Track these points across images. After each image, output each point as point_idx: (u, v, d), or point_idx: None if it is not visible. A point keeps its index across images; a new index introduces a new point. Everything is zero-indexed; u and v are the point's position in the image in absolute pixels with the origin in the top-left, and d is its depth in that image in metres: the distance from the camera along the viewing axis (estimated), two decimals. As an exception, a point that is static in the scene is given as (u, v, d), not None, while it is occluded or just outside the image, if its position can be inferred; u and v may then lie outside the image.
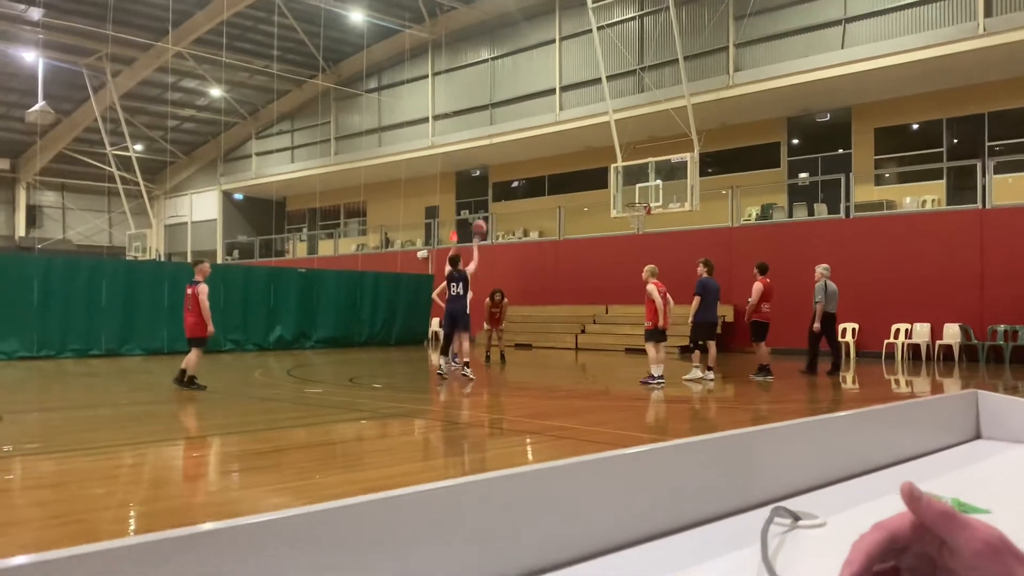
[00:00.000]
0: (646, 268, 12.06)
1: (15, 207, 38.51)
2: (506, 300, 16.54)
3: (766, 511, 0.90)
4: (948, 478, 1.19)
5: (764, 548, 0.78)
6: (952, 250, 16.42)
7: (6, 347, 16.36)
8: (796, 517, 0.89)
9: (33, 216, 38.51)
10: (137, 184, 33.22)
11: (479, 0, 26.27)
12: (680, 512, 0.87)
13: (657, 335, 11.74)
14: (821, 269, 13.41)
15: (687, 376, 12.58)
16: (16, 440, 7.04)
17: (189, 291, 11.16)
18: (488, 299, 16.17)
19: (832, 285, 13.36)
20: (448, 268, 12.69)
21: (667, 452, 0.89)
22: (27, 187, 38.25)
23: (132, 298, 18.07)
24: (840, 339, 17.54)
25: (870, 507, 1.00)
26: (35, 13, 26.83)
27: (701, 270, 12.56)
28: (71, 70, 30.02)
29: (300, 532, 0.63)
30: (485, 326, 16.43)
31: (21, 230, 38.15)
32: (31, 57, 28.70)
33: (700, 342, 12.49)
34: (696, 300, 12.32)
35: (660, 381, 11.56)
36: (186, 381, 10.87)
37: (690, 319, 12.46)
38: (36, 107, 27.81)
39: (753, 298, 12.64)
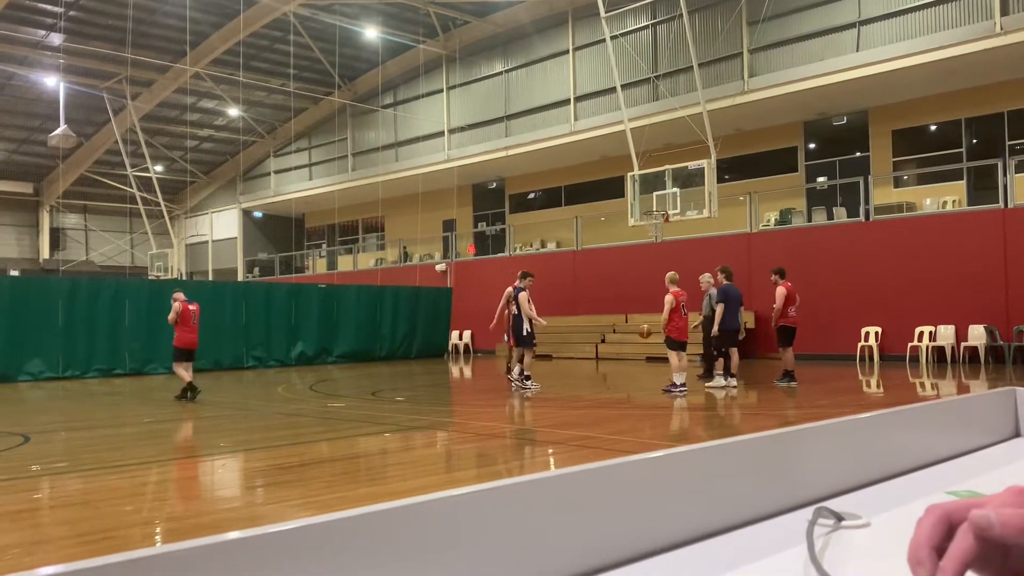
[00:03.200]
0: (667, 276, 12.03)
1: (39, 230, 39.04)
2: None
3: (808, 512, 0.89)
4: (988, 477, 1.17)
5: (811, 548, 0.77)
6: (975, 251, 16.23)
7: (32, 368, 16.55)
8: (839, 517, 0.88)
9: (57, 238, 39.02)
10: (158, 204, 33.58)
11: (492, 14, 26.40)
12: (721, 514, 0.86)
13: (678, 343, 11.72)
14: (707, 278, 13.20)
15: (710, 383, 12.51)
16: (43, 459, 7.11)
17: (194, 307, 11.67)
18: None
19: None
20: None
21: (706, 453, 0.88)
22: (50, 210, 38.79)
23: (155, 317, 18.20)
24: (863, 342, 17.41)
25: (912, 507, 0.98)
26: (55, 39, 27.27)
27: (720, 278, 12.51)
28: (91, 94, 30.44)
29: (327, 540, 0.63)
30: (505, 337, 16.33)
31: (45, 252, 38.65)
32: (52, 82, 29.14)
33: (723, 349, 12.43)
34: (719, 307, 12.27)
35: (683, 389, 11.50)
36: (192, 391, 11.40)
37: (715, 327, 12.38)
38: (58, 131, 28.20)
39: (778, 303, 12.54)
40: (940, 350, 16.54)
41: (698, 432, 8.81)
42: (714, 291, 13.00)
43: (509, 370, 16.23)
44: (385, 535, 0.65)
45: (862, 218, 18.48)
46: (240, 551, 0.58)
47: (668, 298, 11.69)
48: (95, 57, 28.17)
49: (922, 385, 13.26)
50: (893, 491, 1.05)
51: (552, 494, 0.75)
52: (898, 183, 20.65)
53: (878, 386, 13.32)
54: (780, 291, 12.52)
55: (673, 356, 11.73)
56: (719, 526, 0.85)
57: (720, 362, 12.47)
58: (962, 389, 12.36)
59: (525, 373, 12.53)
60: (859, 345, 17.44)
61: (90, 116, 32.59)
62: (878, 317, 17.40)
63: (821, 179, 21.90)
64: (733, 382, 12.33)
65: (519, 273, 13.00)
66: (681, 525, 0.81)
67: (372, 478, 6.38)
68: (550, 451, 7.39)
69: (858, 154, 21.27)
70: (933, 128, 20.25)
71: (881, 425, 1.15)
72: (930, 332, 16.65)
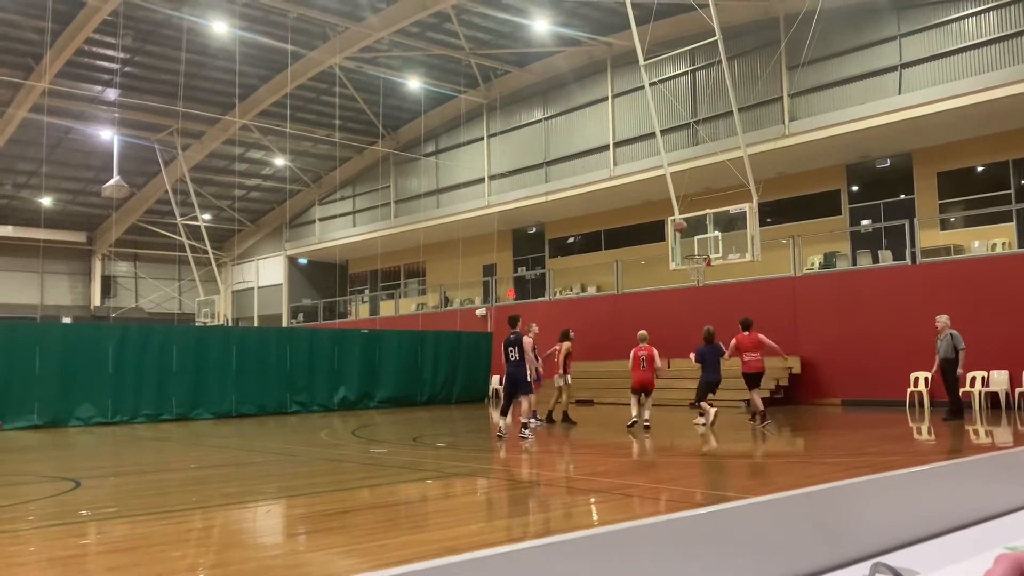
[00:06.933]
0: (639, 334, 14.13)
1: (91, 278, 40.09)
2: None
3: (864, 567, 0.88)
4: (1050, 532, 1.14)
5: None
6: (1028, 294, 15.83)
7: (82, 413, 16.87)
8: (897, 574, 0.87)
9: (108, 286, 40.02)
10: (206, 252, 34.33)
11: (531, 63, 26.82)
12: (778, 569, 0.86)
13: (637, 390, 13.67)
14: (944, 319, 13.94)
15: (696, 421, 13.91)
16: (93, 505, 7.22)
17: None
18: (568, 342, 15.16)
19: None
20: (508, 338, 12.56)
21: (760, 508, 0.88)
22: (102, 258, 39.85)
23: (202, 363, 18.53)
24: (913, 388, 16.98)
25: (970, 564, 0.97)
26: (111, 94, 28.32)
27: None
28: (144, 146, 31.45)
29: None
30: (559, 381, 15.31)
31: (97, 300, 39.63)
32: (107, 135, 30.18)
33: (699, 401, 13.86)
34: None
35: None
36: None
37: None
38: (111, 182, 29.11)
39: (727, 353, 13.74)
40: (994, 396, 16.06)
41: (742, 482, 8.64)
42: (953, 332, 13.64)
43: (550, 417, 15.50)
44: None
45: (908, 261, 18.17)
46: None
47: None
48: (148, 111, 29.16)
49: (975, 433, 12.86)
50: (950, 546, 1.03)
51: (599, 551, 0.76)
52: (945, 225, 20.31)
53: (929, 433, 12.95)
54: (732, 343, 13.74)
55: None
56: (774, 581, 0.85)
57: (709, 411, 13.47)
58: (1018, 437, 11.96)
59: (523, 420, 12.32)
60: (908, 391, 17.02)
61: (142, 167, 33.61)
62: (928, 362, 16.95)
63: (865, 222, 21.63)
64: (710, 417, 13.42)
65: (511, 319, 12.89)
66: (736, 580, 0.81)
67: (414, 526, 6.36)
68: (592, 500, 7.30)
69: (903, 196, 21.00)
70: (980, 170, 19.94)
71: (937, 478, 1.13)
72: (983, 377, 16.20)
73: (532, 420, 13.12)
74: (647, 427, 13.26)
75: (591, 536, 0.76)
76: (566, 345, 15.23)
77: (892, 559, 0.93)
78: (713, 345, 13.90)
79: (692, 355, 14.17)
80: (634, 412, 13.57)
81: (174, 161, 32.58)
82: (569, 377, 15.38)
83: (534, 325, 13.75)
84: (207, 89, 28.76)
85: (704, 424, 13.51)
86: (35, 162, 31.98)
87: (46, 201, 34.49)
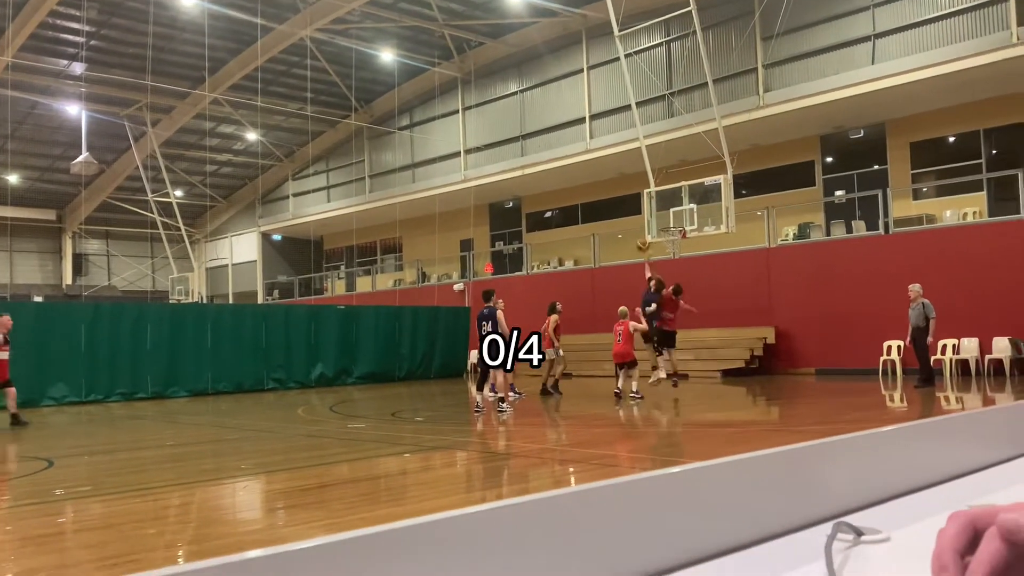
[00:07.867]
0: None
1: (62, 256, 39.53)
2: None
3: (828, 527, 0.88)
4: (1012, 491, 1.16)
5: (829, 564, 0.77)
6: (998, 262, 16.07)
7: (56, 393, 16.69)
8: (859, 532, 0.87)
9: (79, 264, 39.48)
10: (178, 229, 33.93)
11: (506, 35, 26.59)
12: (739, 530, 0.86)
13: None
14: (917, 288, 14.11)
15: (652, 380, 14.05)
16: (67, 484, 7.16)
17: None
18: (555, 315, 15.17)
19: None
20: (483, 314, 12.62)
21: (722, 469, 0.88)
22: (73, 236, 39.28)
23: (176, 341, 18.38)
24: (886, 356, 17.24)
25: (933, 521, 0.97)
26: (77, 68, 27.76)
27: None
28: (112, 121, 30.90)
29: (349, 557, 0.63)
30: (551, 353, 15.17)
31: (68, 278, 39.11)
32: (74, 111, 29.63)
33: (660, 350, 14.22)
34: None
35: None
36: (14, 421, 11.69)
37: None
38: (80, 159, 28.62)
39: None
40: (964, 363, 16.34)
41: (722, 450, 8.74)
42: (925, 301, 13.86)
43: (545, 389, 15.33)
44: (405, 552, 0.66)
45: (882, 231, 18.35)
46: (262, 570, 0.59)
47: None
48: (116, 85, 28.63)
49: (946, 399, 13.09)
50: (913, 505, 1.04)
51: (565, 512, 0.76)
52: (917, 195, 20.50)
53: (901, 400, 13.17)
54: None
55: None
56: (737, 542, 0.85)
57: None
58: (987, 402, 12.19)
59: (500, 395, 12.37)
60: (881, 359, 17.27)
61: (111, 143, 33.06)
62: (901, 331, 17.19)
63: (839, 193, 21.79)
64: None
65: (485, 293, 12.94)
66: (697, 541, 0.81)
67: (393, 499, 6.38)
68: (571, 470, 7.36)
69: (876, 167, 21.15)
70: (951, 140, 20.11)
71: (900, 439, 1.14)
72: (953, 345, 16.46)
73: (511, 394, 13.16)
74: (640, 398, 13.26)
75: (556, 496, 0.75)
76: (553, 318, 15.24)
77: (855, 519, 0.93)
78: (648, 294, 14.22)
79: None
80: (619, 383, 13.85)
81: (144, 136, 32.06)
82: (561, 349, 15.35)
83: (500, 300, 13.65)
84: (176, 63, 28.27)
85: (660, 380, 13.97)
86: (0, 138, 31.34)
87: (13, 178, 33.86)
